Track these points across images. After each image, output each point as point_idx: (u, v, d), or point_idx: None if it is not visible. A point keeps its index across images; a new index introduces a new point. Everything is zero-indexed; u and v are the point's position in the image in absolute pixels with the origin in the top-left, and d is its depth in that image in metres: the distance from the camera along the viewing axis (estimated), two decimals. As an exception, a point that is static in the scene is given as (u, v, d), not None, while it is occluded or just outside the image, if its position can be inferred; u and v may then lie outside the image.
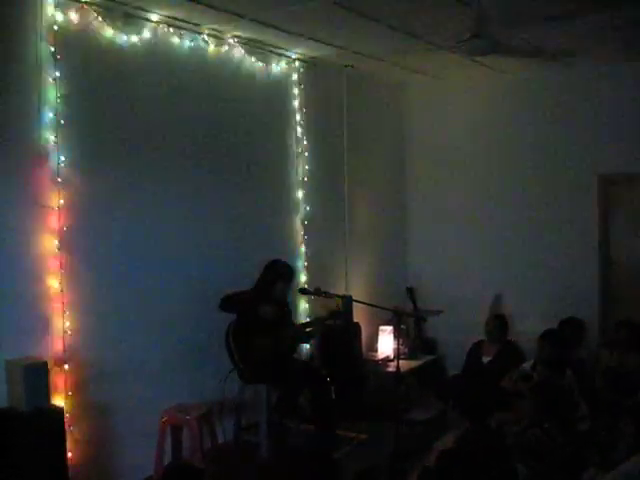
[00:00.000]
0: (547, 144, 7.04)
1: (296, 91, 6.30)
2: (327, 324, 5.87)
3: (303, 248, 6.43)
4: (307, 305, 6.41)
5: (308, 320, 6.16)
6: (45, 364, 4.07)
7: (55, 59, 4.28)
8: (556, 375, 5.37)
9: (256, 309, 5.10)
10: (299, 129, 6.35)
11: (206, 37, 5.33)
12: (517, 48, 5.77)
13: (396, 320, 6.10)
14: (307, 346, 6.28)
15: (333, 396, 5.68)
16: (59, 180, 4.32)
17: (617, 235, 6.84)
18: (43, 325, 4.28)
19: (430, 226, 7.81)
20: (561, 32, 5.41)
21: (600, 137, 6.72)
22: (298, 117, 6.34)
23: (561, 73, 6.81)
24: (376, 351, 7.05)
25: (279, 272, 5.33)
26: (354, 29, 5.36)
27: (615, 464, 3.86)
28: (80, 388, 4.46)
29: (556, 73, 6.84)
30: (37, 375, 3.99)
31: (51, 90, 4.28)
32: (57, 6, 4.27)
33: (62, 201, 4.34)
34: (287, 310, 5.57)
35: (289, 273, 5.41)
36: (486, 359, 6.62)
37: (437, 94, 7.65)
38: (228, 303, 5.05)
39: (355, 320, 6.54)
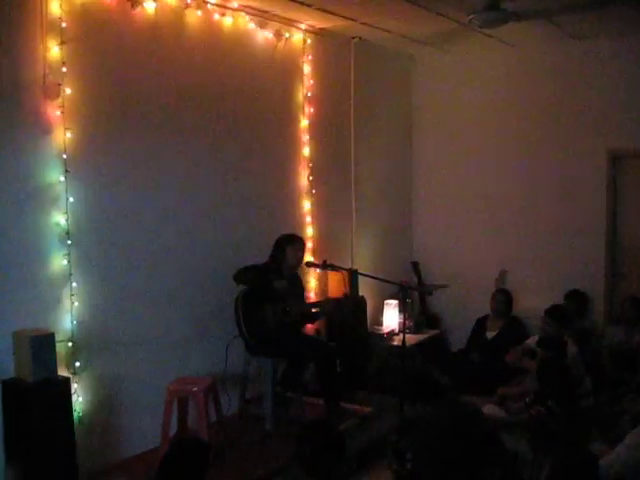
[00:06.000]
0: (556, 118, 6.96)
1: (304, 62, 6.23)
2: (334, 299, 5.89)
3: (310, 221, 6.40)
4: (314, 279, 6.40)
5: (317, 300, 6.16)
6: (52, 335, 4.07)
7: (60, 28, 4.22)
8: (560, 351, 5.38)
9: (269, 279, 5.15)
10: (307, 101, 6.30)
11: (214, 7, 5.25)
12: (529, 20, 5.68)
13: (402, 294, 6.11)
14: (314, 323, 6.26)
15: (338, 369, 5.71)
16: (64, 154, 4.30)
17: (625, 210, 6.79)
18: (51, 298, 4.29)
19: (436, 201, 7.77)
20: (573, 4, 5.32)
21: (610, 111, 6.64)
22: (306, 89, 6.27)
23: (572, 46, 6.71)
24: (381, 325, 7.06)
25: (286, 239, 5.41)
26: (363, 0, 5.28)
27: (619, 439, 3.89)
28: (87, 360, 4.49)
29: (566, 46, 6.74)
30: (44, 346, 4.00)
31: (56, 60, 4.22)
32: (63, -26, 4.20)
33: (68, 174, 4.31)
34: (299, 283, 5.62)
35: (296, 237, 5.50)
36: (490, 334, 6.64)
37: (446, 67, 7.56)
38: (243, 274, 5.09)
39: (360, 294, 6.54)
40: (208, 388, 4.77)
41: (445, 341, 7.57)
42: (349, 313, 6.24)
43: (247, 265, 5.15)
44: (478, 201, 7.47)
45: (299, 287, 5.63)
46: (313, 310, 5.63)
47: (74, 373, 4.38)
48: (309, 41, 6.23)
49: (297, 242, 5.45)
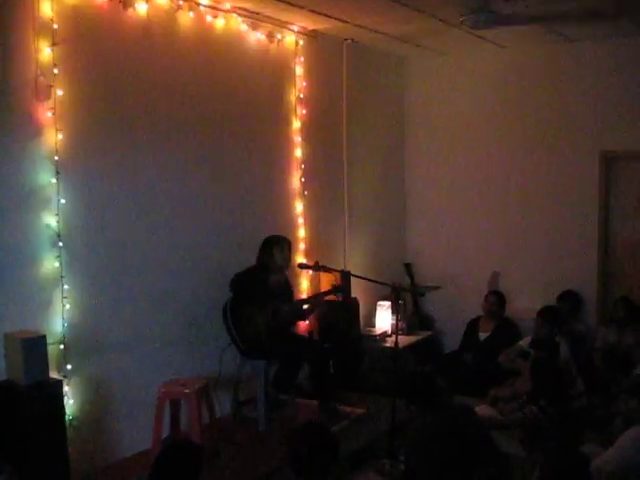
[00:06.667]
0: (548, 120, 6.98)
1: (297, 64, 6.23)
2: (326, 299, 5.87)
3: (302, 222, 6.40)
4: (306, 281, 6.39)
5: (306, 297, 6.15)
6: (44, 337, 4.05)
7: (52, 29, 4.21)
8: (552, 352, 5.40)
9: (261, 280, 5.15)
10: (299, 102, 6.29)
11: (206, 8, 5.24)
12: (520, 21, 5.70)
13: (394, 295, 6.11)
14: (306, 321, 6.27)
15: (331, 370, 5.71)
16: (56, 156, 4.28)
17: (618, 211, 6.82)
18: (42, 300, 4.27)
19: (429, 202, 7.78)
20: (565, 5, 5.34)
21: (602, 113, 6.67)
22: (298, 91, 6.27)
23: (564, 48, 6.74)
24: (374, 326, 7.06)
25: (273, 241, 5.39)
26: (356, 2, 5.28)
27: (611, 440, 3.90)
28: (79, 362, 4.46)
29: (558, 48, 6.77)
30: (35, 348, 3.96)
31: (48, 61, 4.21)
32: (54, -25, 4.19)
33: (59, 176, 4.29)
34: (288, 285, 5.60)
35: (281, 237, 5.48)
36: (483, 335, 6.65)
37: (438, 69, 7.58)
38: (235, 281, 5.11)
39: (353, 295, 6.54)
40: (201, 390, 4.75)
41: (438, 342, 7.57)
42: (340, 305, 6.24)
43: (239, 273, 5.16)
44: (471, 203, 7.48)
45: (288, 288, 5.62)
46: (304, 307, 5.63)
47: (65, 375, 4.36)
48: (301, 43, 6.22)
49: (282, 242, 5.43)
